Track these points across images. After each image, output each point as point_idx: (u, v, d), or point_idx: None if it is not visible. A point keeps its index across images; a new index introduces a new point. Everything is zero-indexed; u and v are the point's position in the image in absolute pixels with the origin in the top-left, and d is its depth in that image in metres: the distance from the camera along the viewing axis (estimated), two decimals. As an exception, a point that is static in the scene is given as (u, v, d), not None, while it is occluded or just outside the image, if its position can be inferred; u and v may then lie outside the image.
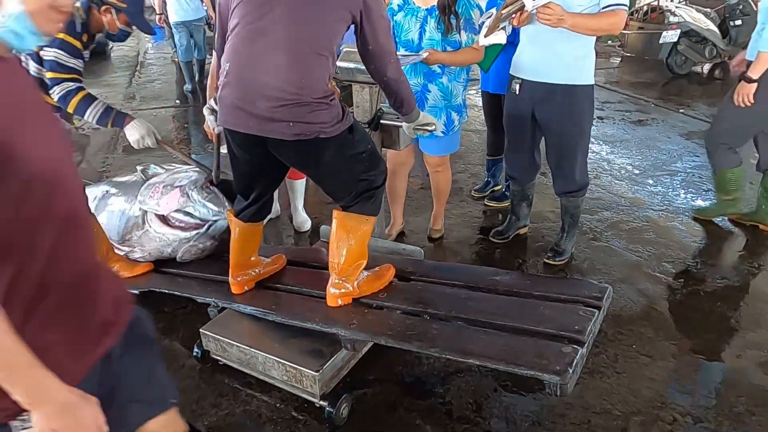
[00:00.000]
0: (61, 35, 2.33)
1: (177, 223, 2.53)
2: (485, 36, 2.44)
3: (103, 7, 2.50)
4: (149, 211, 2.56)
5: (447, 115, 2.80)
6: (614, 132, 5.14)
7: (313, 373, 1.94)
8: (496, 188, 3.76)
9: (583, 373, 2.12)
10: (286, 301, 2.21)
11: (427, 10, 2.61)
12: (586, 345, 1.82)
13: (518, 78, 2.68)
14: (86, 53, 2.49)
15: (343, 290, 2.09)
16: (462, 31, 2.63)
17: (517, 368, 1.75)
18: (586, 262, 3.01)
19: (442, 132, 2.81)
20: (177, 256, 2.58)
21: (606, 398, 2.11)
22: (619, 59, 8.36)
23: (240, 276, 2.23)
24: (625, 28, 5.91)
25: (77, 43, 2.40)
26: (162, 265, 2.66)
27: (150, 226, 2.55)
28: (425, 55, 2.55)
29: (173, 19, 6.11)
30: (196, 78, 6.63)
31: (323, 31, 1.79)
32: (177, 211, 2.50)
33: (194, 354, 2.29)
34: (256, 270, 2.28)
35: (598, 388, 2.15)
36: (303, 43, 1.75)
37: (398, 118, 2.32)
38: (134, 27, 2.59)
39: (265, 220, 2.26)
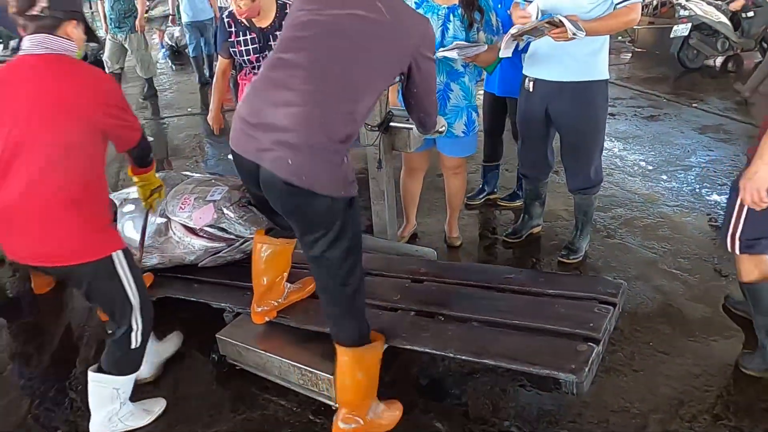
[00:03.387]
0: None
1: (204, 234, 2.52)
2: (512, 35, 2.42)
3: None
4: (174, 220, 2.57)
5: (468, 116, 2.79)
6: (626, 128, 5.11)
7: (329, 376, 1.94)
8: (491, 196, 3.66)
9: (599, 372, 2.10)
10: (301, 305, 2.23)
11: (448, 8, 2.61)
12: (601, 342, 1.81)
13: (532, 77, 2.67)
14: None
15: (353, 425, 1.87)
16: (481, 32, 2.64)
17: (533, 368, 1.75)
18: (601, 259, 2.99)
19: (463, 132, 2.80)
20: (199, 263, 2.59)
21: (624, 396, 2.09)
22: (630, 55, 8.30)
23: (262, 306, 2.16)
24: (634, 24, 5.86)
25: None
26: (174, 271, 2.68)
27: (174, 234, 2.56)
28: (485, 47, 2.56)
29: (184, 19, 6.72)
30: (207, 73, 7.11)
31: (362, 84, 1.65)
32: (210, 226, 2.49)
33: (211, 359, 2.31)
34: (279, 300, 2.19)
35: (616, 387, 2.14)
36: (330, 92, 1.60)
37: (408, 120, 2.33)
38: None
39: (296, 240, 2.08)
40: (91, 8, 12.95)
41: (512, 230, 3.21)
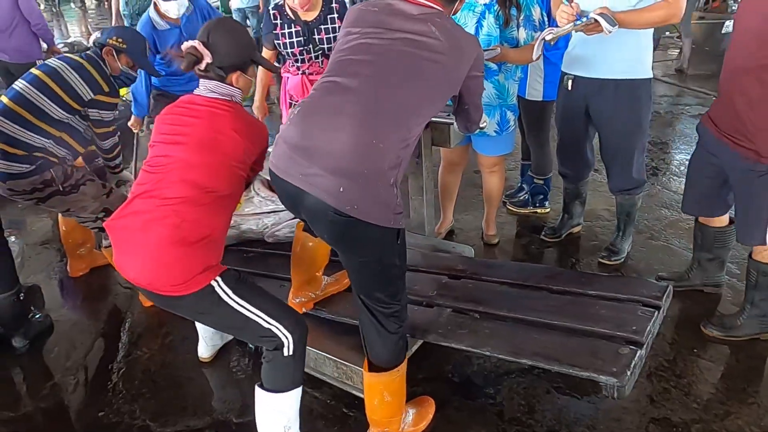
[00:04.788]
0: (99, 96, 2.55)
1: None
2: (546, 39, 2.37)
3: (104, 49, 2.60)
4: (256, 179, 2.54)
5: (501, 114, 2.75)
6: (673, 127, 4.95)
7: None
8: (537, 209, 3.52)
9: (640, 377, 2.05)
10: (338, 297, 2.23)
11: (485, 5, 2.57)
12: (644, 346, 1.76)
13: (571, 74, 2.61)
14: (118, 102, 2.70)
15: None
16: (521, 28, 2.58)
17: (572, 369, 1.71)
18: (643, 262, 2.91)
19: (495, 131, 2.76)
20: (266, 234, 2.59)
21: (665, 404, 2.03)
22: (678, 51, 8.03)
23: (299, 297, 2.19)
24: (684, 19, 5.65)
25: (107, 99, 2.60)
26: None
27: (256, 192, 2.56)
28: (499, 50, 2.50)
29: (234, 5, 7.52)
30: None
31: (415, 110, 1.62)
32: None
33: (249, 349, 2.34)
34: (317, 292, 2.19)
35: (657, 394, 2.08)
36: (385, 116, 1.56)
37: (448, 115, 2.31)
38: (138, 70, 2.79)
39: None
40: (105, 5, 13.05)
41: (551, 229, 3.16)
